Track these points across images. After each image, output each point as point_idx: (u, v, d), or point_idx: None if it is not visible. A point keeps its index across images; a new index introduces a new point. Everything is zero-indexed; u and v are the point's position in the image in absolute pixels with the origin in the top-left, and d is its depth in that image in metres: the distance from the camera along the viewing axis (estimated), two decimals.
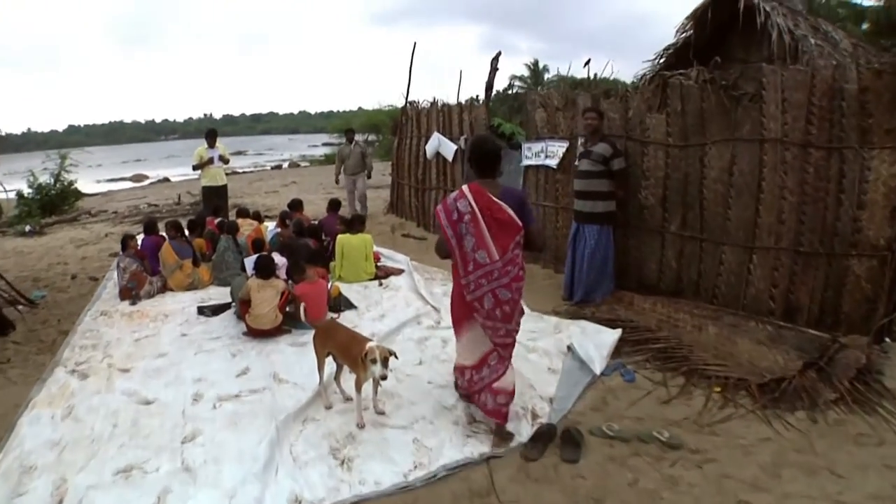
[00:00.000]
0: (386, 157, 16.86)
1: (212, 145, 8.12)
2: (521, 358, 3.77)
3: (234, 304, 4.88)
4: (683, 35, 6.60)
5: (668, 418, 3.17)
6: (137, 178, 25.44)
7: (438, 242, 3.03)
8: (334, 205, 7.11)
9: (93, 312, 5.16)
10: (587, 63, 6.49)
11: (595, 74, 6.91)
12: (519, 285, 2.89)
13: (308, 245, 6.01)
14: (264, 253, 5.39)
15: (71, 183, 13.39)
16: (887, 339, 3.79)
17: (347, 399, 3.33)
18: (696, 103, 4.55)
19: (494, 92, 9.00)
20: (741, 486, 2.57)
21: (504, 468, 2.75)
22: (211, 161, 8.07)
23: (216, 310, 5.05)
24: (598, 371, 3.69)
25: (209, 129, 8.34)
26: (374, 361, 2.90)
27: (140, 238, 6.33)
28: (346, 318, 4.68)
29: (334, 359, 3.36)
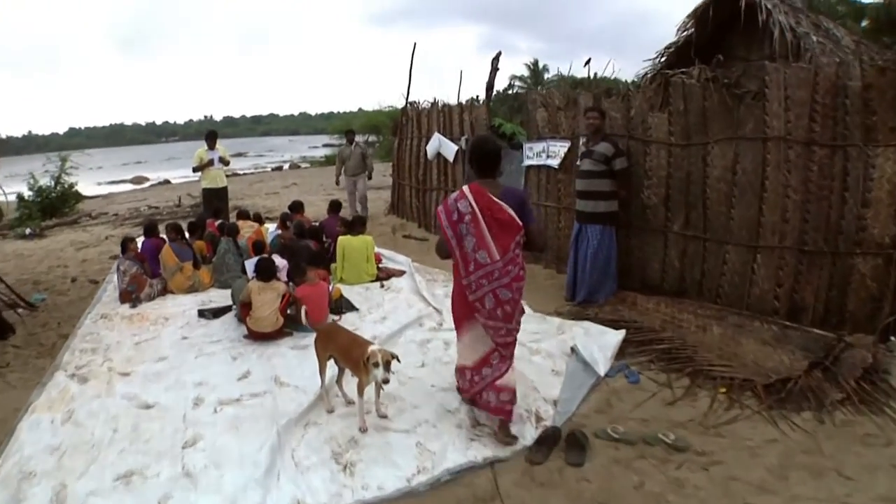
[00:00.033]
0: (386, 158, 16.85)
1: (212, 147, 8.10)
2: (525, 360, 3.75)
3: (234, 306, 4.86)
4: (684, 33, 6.59)
5: (673, 420, 3.14)
6: (138, 180, 25.46)
7: (439, 243, 3.03)
8: (335, 206, 7.08)
9: (93, 316, 5.14)
10: (587, 62, 6.50)
11: (595, 74, 6.91)
12: (520, 285, 2.89)
13: (309, 247, 5.98)
14: (265, 255, 5.36)
15: (71, 185, 13.41)
16: (893, 338, 3.75)
17: (349, 403, 3.30)
18: (699, 102, 4.53)
19: (495, 92, 8.97)
20: (748, 489, 2.55)
21: (509, 472, 2.73)
22: (211, 163, 8.06)
23: (217, 312, 5.03)
24: (602, 373, 3.67)
25: (209, 131, 8.32)
26: (376, 365, 2.87)
27: (140, 240, 6.32)
28: (348, 321, 4.67)
29: (336, 362, 3.33)
